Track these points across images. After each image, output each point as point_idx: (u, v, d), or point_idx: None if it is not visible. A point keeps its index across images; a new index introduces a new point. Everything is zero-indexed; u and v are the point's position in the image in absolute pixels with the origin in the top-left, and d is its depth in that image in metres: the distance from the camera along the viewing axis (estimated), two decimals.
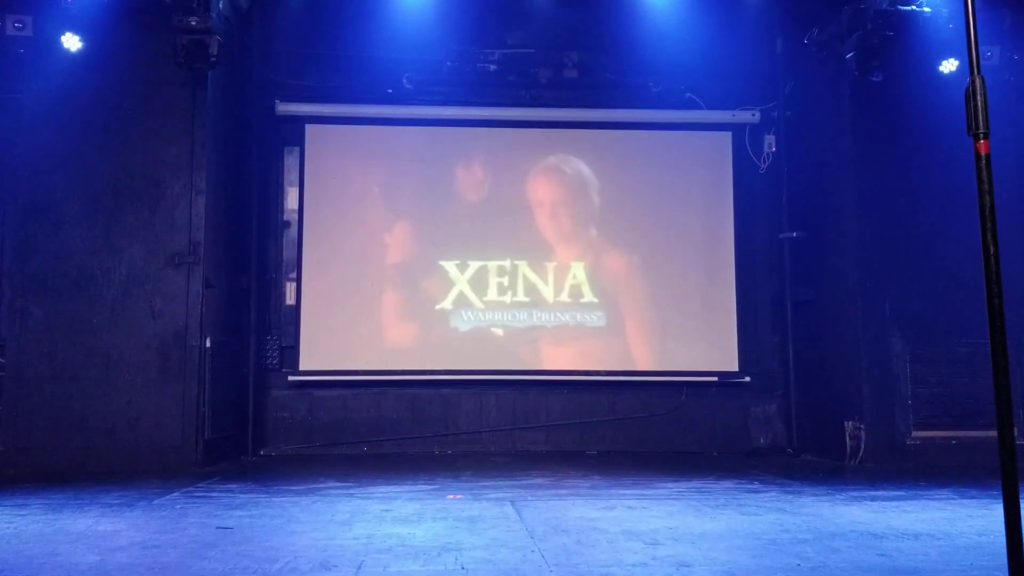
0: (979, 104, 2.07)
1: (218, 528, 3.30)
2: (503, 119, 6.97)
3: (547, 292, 6.76)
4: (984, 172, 2.07)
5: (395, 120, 6.84)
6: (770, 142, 7.08)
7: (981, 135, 2.08)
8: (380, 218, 6.73)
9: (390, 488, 4.44)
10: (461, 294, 6.70)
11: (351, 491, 4.34)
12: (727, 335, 6.81)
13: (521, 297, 6.74)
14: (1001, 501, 3.69)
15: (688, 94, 7.08)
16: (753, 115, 7.06)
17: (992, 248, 2.06)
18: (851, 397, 5.91)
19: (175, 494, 4.19)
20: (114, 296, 5.37)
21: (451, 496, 4.18)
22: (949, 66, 5.76)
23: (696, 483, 4.72)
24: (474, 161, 6.88)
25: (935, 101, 5.70)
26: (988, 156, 2.09)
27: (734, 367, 6.76)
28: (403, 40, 6.54)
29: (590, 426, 6.65)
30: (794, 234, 6.80)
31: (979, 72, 2.10)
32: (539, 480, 4.83)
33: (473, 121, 6.95)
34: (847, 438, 5.83)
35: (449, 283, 6.71)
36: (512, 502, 3.94)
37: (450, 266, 6.72)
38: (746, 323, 6.85)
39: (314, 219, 6.65)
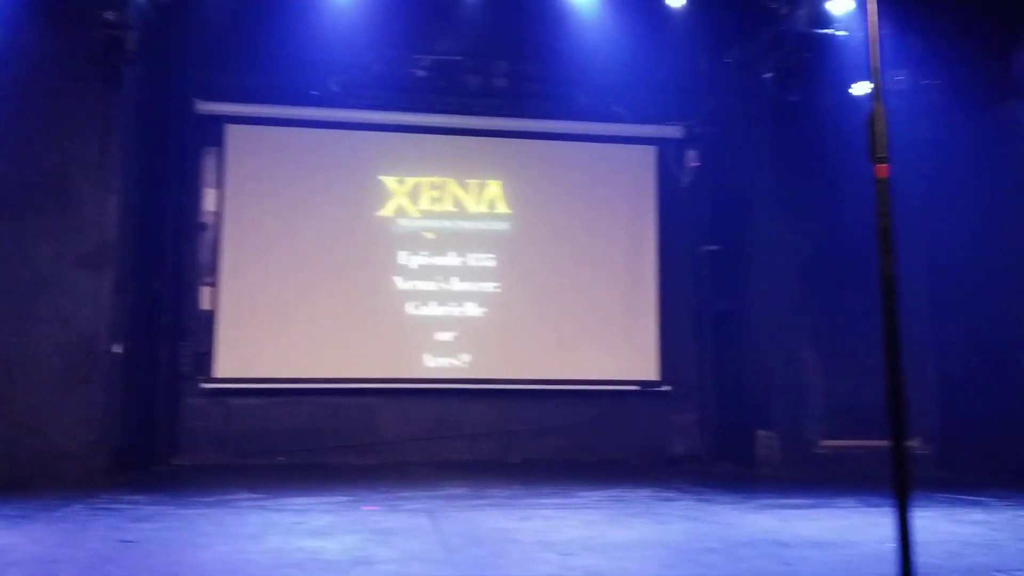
0: (879, 131, 2.14)
1: (120, 541, 3.19)
2: (432, 125, 6.94)
3: (471, 303, 6.76)
4: (883, 195, 2.14)
5: (320, 123, 6.75)
6: (693, 157, 7.21)
7: (880, 159, 2.15)
8: (302, 222, 6.62)
9: (305, 500, 4.37)
10: (388, 302, 6.65)
11: (264, 503, 4.26)
12: (648, 345, 6.91)
13: (447, 307, 6.72)
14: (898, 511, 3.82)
15: (614, 107, 7.16)
16: (677, 130, 7.18)
17: (889, 269, 2.13)
18: (765, 407, 6.06)
19: (77, 505, 4.04)
20: (19, 299, 5.15)
21: (367, 507, 4.13)
22: (862, 88, 5.96)
23: (614, 492, 4.76)
24: (401, 166, 6.84)
25: (849, 121, 5.88)
26: (887, 180, 2.16)
27: (655, 376, 6.86)
28: (331, 41, 6.44)
29: (513, 435, 6.66)
30: (715, 247, 6.94)
31: (880, 100, 2.17)
32: (459, 490, 4.81)
33: (401, 127, 6.90)
34: (760, 447, 5.97)
35: (377, 289, 6.65)
36: (429, 513, 3.92)
37: (375, 273, 6.67)
38: (667, 333, 6.95)
39: (234, 222, 6.52)
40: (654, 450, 6.76)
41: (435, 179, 6.91)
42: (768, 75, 6.25)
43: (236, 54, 6.63)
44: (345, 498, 4.46)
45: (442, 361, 6.66)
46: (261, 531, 3.43)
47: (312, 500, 4.36)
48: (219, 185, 6.55)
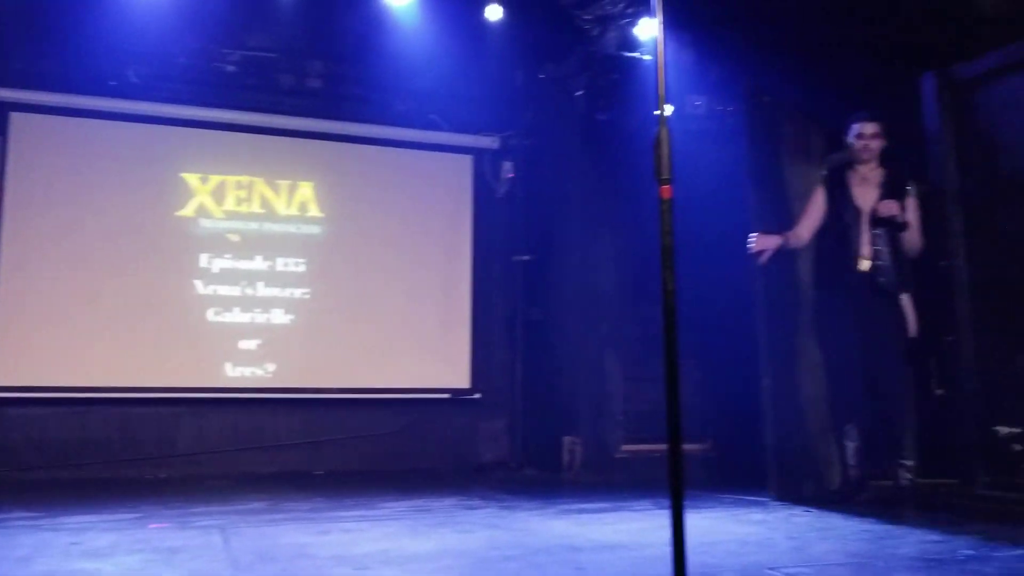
0: (664, 153, 2.25)
1: None
2: (240, 123, 6.68)
3: (278, 309, 6.55)
4: (666, 215, 2.24)
5: (118, 115, 6.33)
6: (508, 168, 7.33)
7: (664, 181, 2.25)
8: (94, 220, 6.19)
9: (85, 518, 4.07)
10: (187, 307, 6.33)
11: (38, 522, 3.93)
12: (461, 353, 6.95)
13: (252, 314, 6.48)
14: (689, 512, 4.03)
15: (432, 115, 7.18)
16: (493, 141, 7.29)
17: (670, 284, 2.24)
18: (570, 413, 6.25)
19: None
20: None
21: (154, 525, 3.90)
22: (666, 111, 6.25)
23: (419, 502, 4.74)
24: (205, 164, 6.54)
25: (651, 142, 6.18)
26: (670, 200, 2.27)
27: (466, 384, 6.91)
28: (131, 29, 6.02)
29: (318, 446, 6.50)
30: (527, 257, 7.10)
31: (665, 124, 2.28)
32: (257, 504, 4.63)
33: (207, 123, 6.60)
34: (564, 452, 6.15)
35: (175, 294, 6.31)
36: (221, 529, 3.75)
37: (174, 276, 6.33)
38: (479, 342, 7.02)
39: (15, 218, 6.00)
40: (463, 458, 6.80)
41: (242, 178, 6.65)
42: (579, 93, 6.47)
43: (23, 37, 6.10)
44: (132, 515, 4.19)
45: (245, 370, 6.41)
46: (32, 553, 3.16)
47: (94, 518, 4.07)
48: None
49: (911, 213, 4.53)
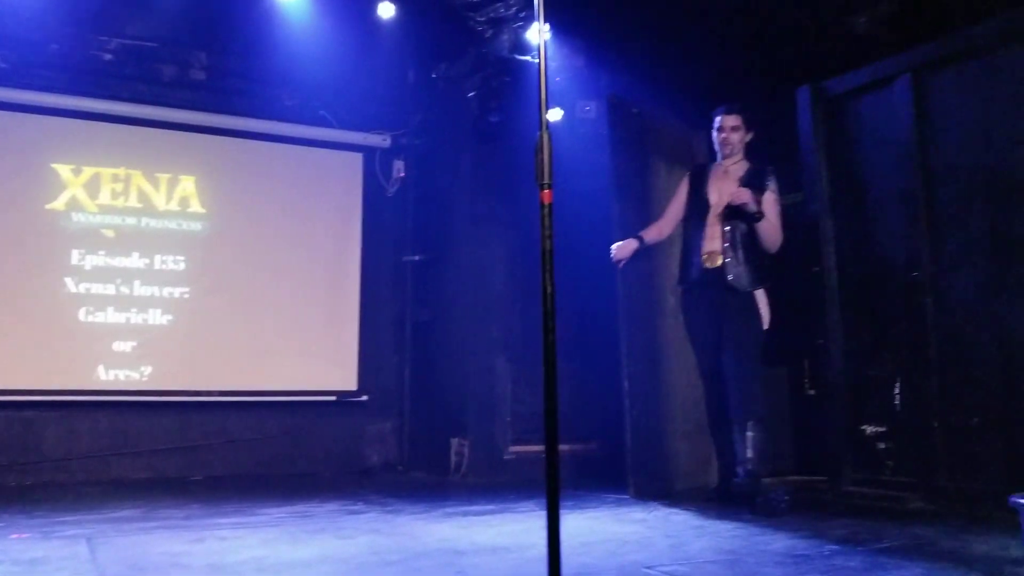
0: (544, 158, 2.26)
1: None
2: (117, 114, 6.37)
3: (156, 309, 6.30)
4: (547, 219, 2.26)
5: None
6: (399, 167, 7.27)
7: (545, 186, 2.27)
8: None
9: None
10: (57, 306, 6.02)
11: None
12: (348, 354, 6.84)
13: (128, 314, 6.21)
14: (571, 512, 4.06)
15: (321, 111, 7.04)
16: (384, 139, 7.21)
17: (549, 287, 2.26)
18: (458, 415, 6.24)
19: None
20: None
21: (16, 535, 3.69)
22: (555, 115, 6.33)
23: (300, 507, 4.64)
24: (78, 155, 6.23)
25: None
26: (550, 205, 2.28)
27: (353, 386, 6.80)
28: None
29: (197, 450, 6.28)
30: (417, 257, 7.05)
31: (547, 129, 2.30)
32: (128, 512, 4.44)
33: (82, 113, 6.26)
34: (452, 454, 6.13)
35: (43, 292, 5.99)
36: (88, 539, 3.58)
37: (42, 273, 6.01)
38: (367, 343, 6.93)
39: None
40: (348, 462, 6.70)
41: (118, 171, 6.37)
42: (471, 94, 6.47)
43: None
44: None
45: (119, 373, 6.13)
46: None
47: None
48: None
49: (769, 207, 4.47)
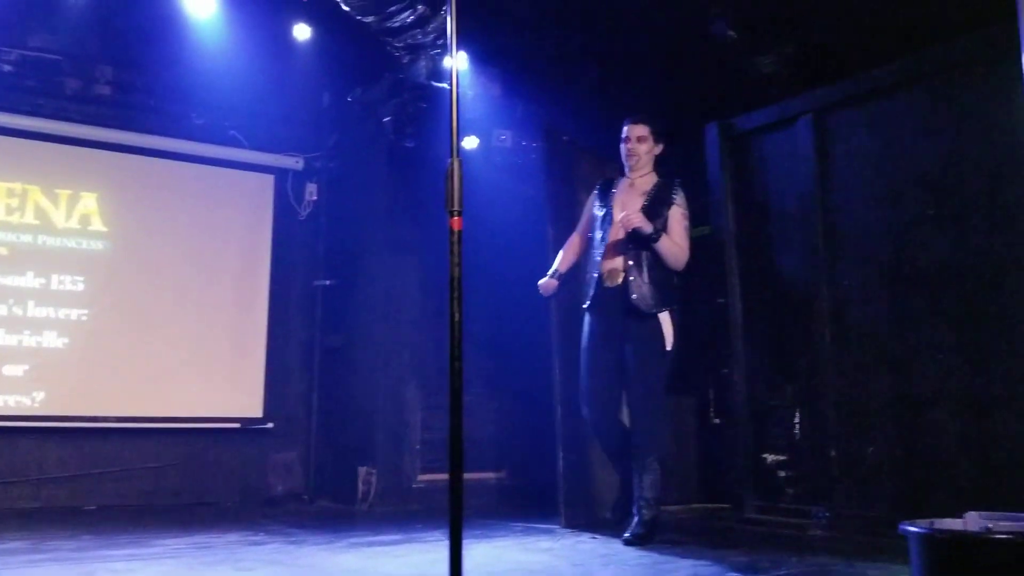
0: (455, 185, 2.26)
1: None
2: (15, 127, 6.11)
3: (51, 332, 6.03)
4: (455, 247, 2.25)
5: None
6: (311, 190, 7.17)
7: (455, 213, 2.26)
8: None
9: None
10: None
11: None
12: (254, 380, 6.66)
13: (20, 336, 5.92)
14: (479, 541, 4.03)
15: (232, 131, 6.90)
16: (297, 162, 7.10)
17: (457, 315, 2.24)
18: (367, 443, 6.14)
19: None
20: None
21: None
22: (471, 142, 6.36)
23: (199, 538, 4.47)
24: None
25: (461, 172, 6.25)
26: (460, 232, 2.28)
27: (258, 413, 6.63)
28: None
29: (92, 478, 6.01)
30: (328, 282, 6.94)
31: (457, 156, 2.30)
32: (14, 544, 4.20)
33: None
34: (360, 483, 6.02)
35: None
36: None
37: None
38: (274, 369, 6.77)
39: None
40: (252, 491, 6.50)
41: (14, 185, 6.10)
42: (387, 119, 6.44)
43: None
44: None
45: (8, 399, 5.83)
46: None
47: None
48: None
49: (675, 223, 4.26)
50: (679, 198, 4.33)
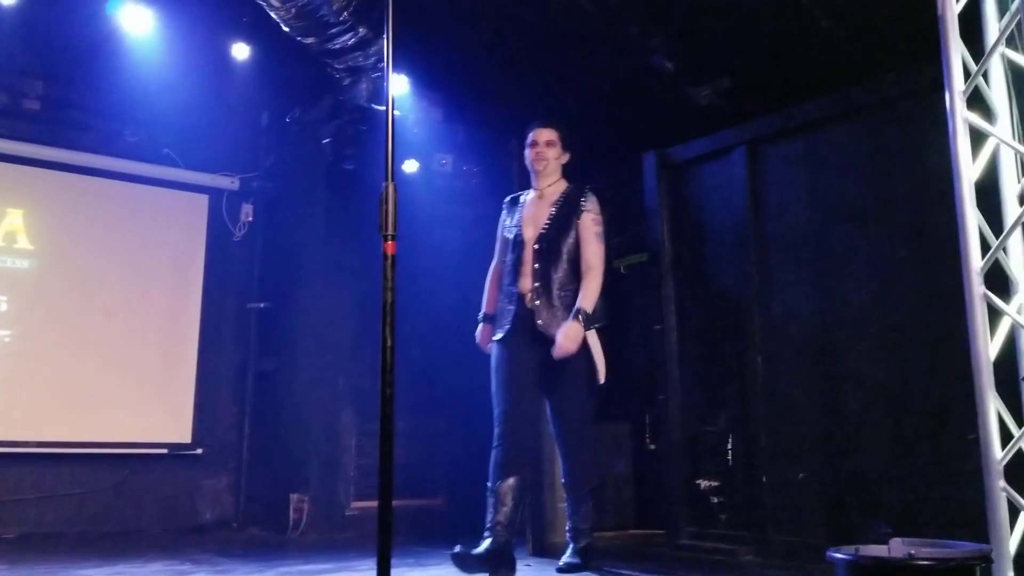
0: (389, 209, 2.24)
1: None
2: None
3: None
4: (389, 271, 2.23)
5: None
6: (247, 211, 7.06)
7: (388, 237, 2.24)
8: None
9: None
10: None
11: None
12: (183, 405, 6.49)
13: None
14: (413, 569, 3.98)
15: (166, 150, 6.77)
16: (232, 182, 6.99)
17: (389, 341, 2.22)
18: (300, 469, 6.02)
19: None
20: None
21: None
22: (411, 166, 6.34)
23: (122, 567, 4.33)
24: None
25: (400, 196, 6.21)
26: (395, 256, 2.26)
27: (188, 439, 6.45)
28: None
29: (11, 505, 5.78)
30: (262, 304, 6.82)
31: (392, 180, 2.28)
32: None
33: None
34: (291, 510, 5.90)
35: None
36: None
37: None
38: (205, 393, 6.61)
39: None
40: (180, 519, 6.32)
41: None
42: (326, 140, 6.38)
43: None
44: None
45: None
46: None
47: None
48: None
49: (588, 233, 3.98)
50: (590, 203, 4.03)
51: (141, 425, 6.30)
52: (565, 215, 4.01)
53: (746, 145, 4.86)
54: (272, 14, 5.17)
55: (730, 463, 4.72)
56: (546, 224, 4.00)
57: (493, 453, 3.85)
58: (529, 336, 3.91)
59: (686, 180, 5.25)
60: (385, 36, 2.53)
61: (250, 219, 7.03)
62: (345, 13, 5.24)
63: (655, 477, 5.43)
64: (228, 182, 6.95)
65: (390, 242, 2.26)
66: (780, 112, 4.77)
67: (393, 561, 2.26)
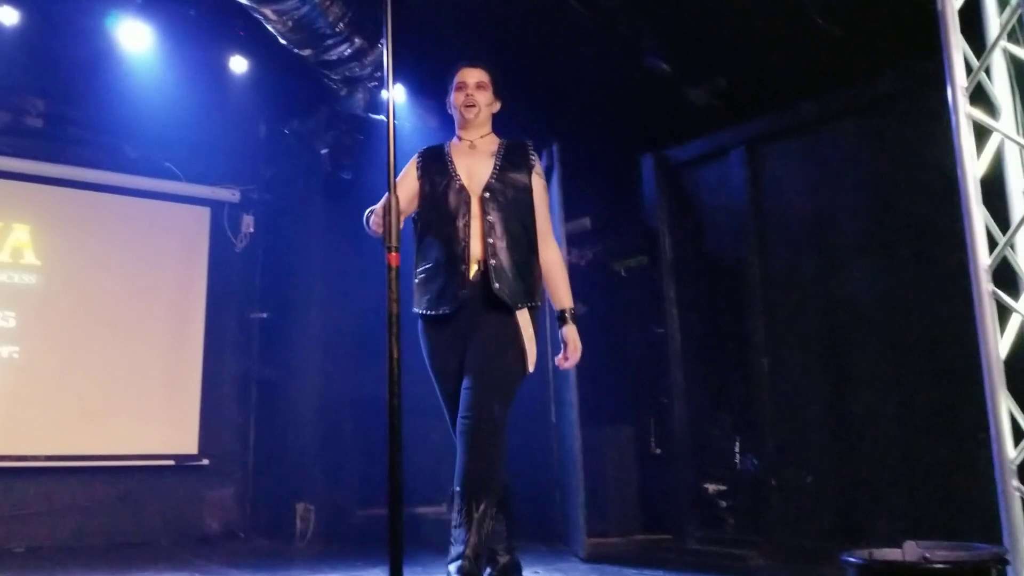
0: (392, 220, 2.26)
1: None
2: None
3: None
4: (393, 283, 2.24)
5: None
6: (248, 222, 7.07)
7: (392, 248, 2.26)
8: None
9: None
10: None
11: None
12: (189, 416, 6.49)
13: None
14: None
15: (167, 164, 6.78)
16: (233, 194, 7.00)
17: (396, 352, 2.23)
18: (305, 478, 6.03)
19: None
20: None
21: None
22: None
23: None
24: None
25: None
26: (397, 268, 2.27)
27: (193, 449, 6.46)
28: None
29: (19, 519, 5.79)
30: (264, 314, 6.83)
31: (394, 191, 2.30)
32: None
33: None
34: (297, 520, 5.90)
35: None
36: None
37: None
38: (210, 404, 6.61)
39: None
40: (186, 530, 6.32)
41: None
42: (324, 151, 6.41)
43: None
44: None
45: None
46: None
47: None
48: None
49: (540, 201, 3.26)
50: (537, 164, 3.32)
51: (147, 436, 6.31)
52: (512, 167, 3.25)
53: (744, 146, 4.88)
54: (269, 27, 5.19)
55: (737, 467, 4.72)
56: (493, 175, 3.22)
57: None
58: (472, 306, 3.14)
59: (685, 181, 5.27)
60: (385, 47, 2.53)
61: (251, 230, 7.04)
62: (341, 24, 5.27)
63: (661, 481, 5.43)
64: (229, 194, 6.97)
65: (393, 253, 2.26)
66: (776, 112, 4.78)
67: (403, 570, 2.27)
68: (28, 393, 5.97)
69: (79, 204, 6.44)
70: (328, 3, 5.01)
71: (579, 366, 3.39)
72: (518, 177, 3.24)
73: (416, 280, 3.27)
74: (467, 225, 3.15)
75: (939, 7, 3.22)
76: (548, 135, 5.60)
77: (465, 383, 3.09)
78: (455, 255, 3.14)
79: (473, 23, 5.37)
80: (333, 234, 6.45)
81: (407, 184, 3.26)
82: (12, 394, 5.91)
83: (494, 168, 3.23)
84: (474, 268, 3.12)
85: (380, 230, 2.70)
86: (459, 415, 3.08)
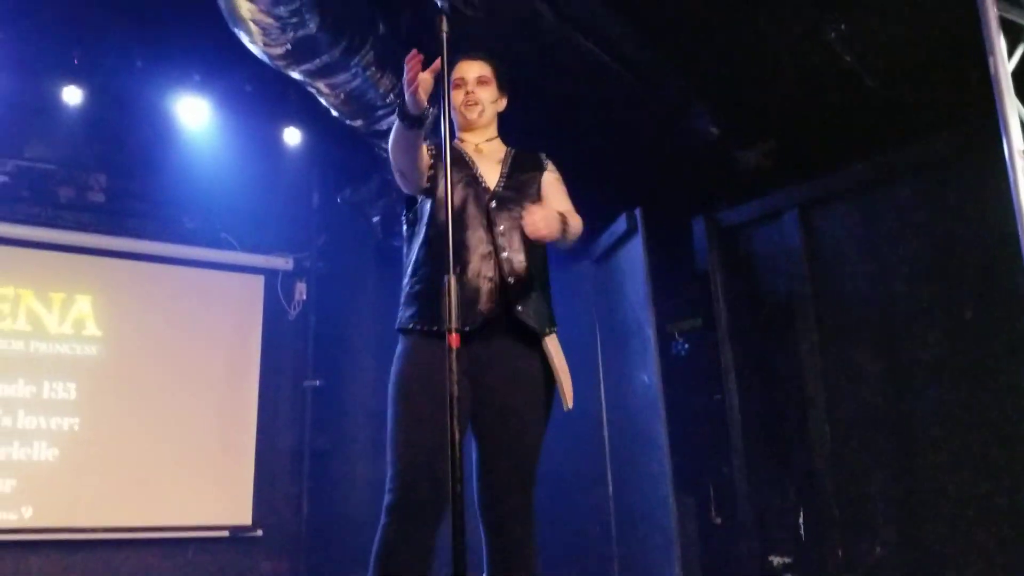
0: (452, 302, 2.25)
1: None
2: (11, 237, 6.09)
3: (41, 442, 5.90)
4: (454, 363, 2.22)
5: None
6: (301, 290, 7.15)
7: (452, 330, 2.25)
8: None
9: None
10: None
11: None
12: (243, 486, 6.49)
13: (8, 448, 5.80)
14: None
15: (223, 234, 6.92)
16: (287, 262, 7.10)
17: (457, 435, 2.20)
18: (358, 549, 5.95)
19: None
20: None
21: None
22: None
23: None
24: None
25: None
26: (459, 349, 2.25)
27: (247, 520, 6.44)
28: None
29: None
30: (317, 382, 6.86)
31: (452, 272, 2.30)
32: None
33: None
34: None
35: None
36: None
37: None
38: (264, 474, 6.61)
39: None
40: None
41: (6, 290, 6.06)
42: (376, 219, 6.49)
43: None
44: None
45: None
46: None
47: None
48: None
49: (556, 190, 2.86)
50: (550, 165, 2.92)
51: (202, 508, 6.31)
52: (520, 171, 2.85)
53: (798, 208, 4.83)
54: (321, 100, 5.31)
55: (802, 537, 4.58)
56: (500, 183, 2.79)
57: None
58: (490, 332, 2.67)
59: (738, 244, 5.21)
60: (441, 118, 2.53)
61: (304, 297, 7.12)
62: (391, 95, 5.36)
63: (722, 552, 5.28)
64: (282, 262, 7.07)
65: (453, 335, 2.25)
66: (830, 174, 4.73)
67: None
68: (88, 465, 6.02)
69: (138, 275, 6.57)
70: (379, 76, 5.11)
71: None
72: (530, 183, 2.83)
73: (412, 290, 2.76)
74: (479, 237, 2.68)
75: (992, 71, 3.20)
76: (598, 195, 5.61)
77: (487, 461, 2.69)
78: (464, 268, 2.65)
79: (514, 90, 5.44)
80: (384, 301, 6.46)
81: (424, 158, 2.72)
82: (73, 468, 5.97)
83: (501, 175, 2.80)
84: (487, 286, 2.64)
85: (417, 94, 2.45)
86: (486, 503, 2.73)
